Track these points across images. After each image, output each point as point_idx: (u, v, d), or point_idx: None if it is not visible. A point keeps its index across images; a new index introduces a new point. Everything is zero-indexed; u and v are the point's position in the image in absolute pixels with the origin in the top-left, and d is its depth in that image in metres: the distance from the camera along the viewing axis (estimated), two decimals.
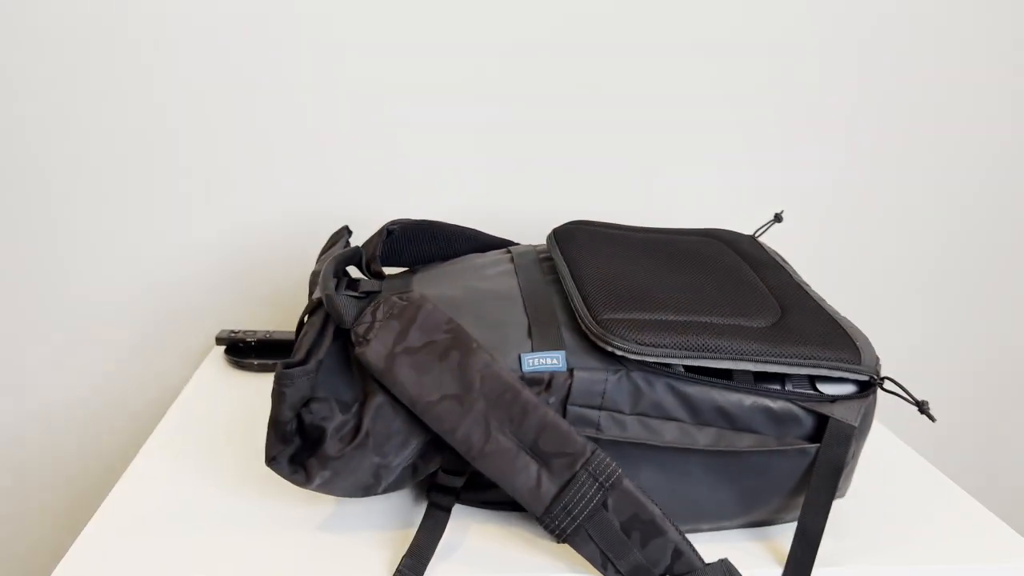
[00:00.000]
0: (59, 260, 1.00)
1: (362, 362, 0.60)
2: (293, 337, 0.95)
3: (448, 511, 0.62)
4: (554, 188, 1.03)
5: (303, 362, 0.60)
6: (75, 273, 1.01)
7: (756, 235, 0.84)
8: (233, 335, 0.98)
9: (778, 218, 0.85)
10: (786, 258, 1.06)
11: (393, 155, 1.01)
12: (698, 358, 0.60)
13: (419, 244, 0.81)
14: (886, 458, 0.79)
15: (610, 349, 0.60)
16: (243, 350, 0.97)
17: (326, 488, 0.61)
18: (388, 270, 0.91)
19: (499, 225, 1.04)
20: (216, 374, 0.93)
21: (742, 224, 1.07)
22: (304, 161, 1.00)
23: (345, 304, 0.63)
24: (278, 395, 0.58)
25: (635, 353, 0.59)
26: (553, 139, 1.02)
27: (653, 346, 0.59)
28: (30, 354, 1.03)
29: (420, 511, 0.66)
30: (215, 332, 1.05)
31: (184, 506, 0.66)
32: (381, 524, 0.65)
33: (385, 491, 0.63)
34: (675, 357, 0.60)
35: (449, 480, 0.63)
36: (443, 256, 0.82)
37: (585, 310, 0.63)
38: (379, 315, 0.62)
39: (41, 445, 1.07)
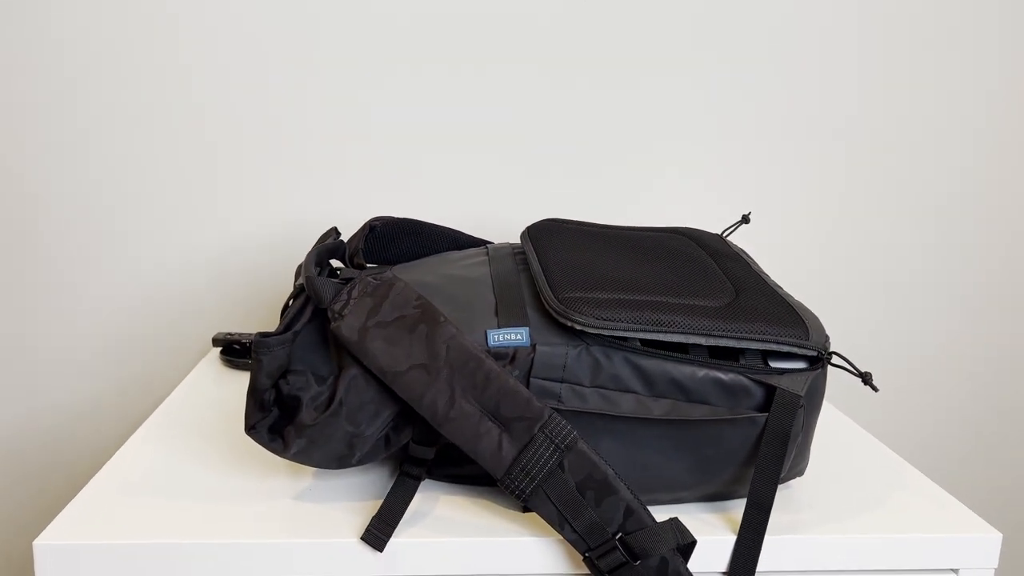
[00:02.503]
0: (59, 263, 1.06)
1: (337, 336, 0.64)
2: None
3: (418, 480, 0.65)
4: (535, 193, 1.08)
5: (280, 333, 0.64)
6: (75, 276, 1.06)
7: (724, 235, 0.88)
8: (228, 337, 1.02)
9: (746, 219, 0.89)
10: (756, 259, 1.10)
11: (385, 165, 1.06)
12: (652, 332, 0.63)
13: (401, 241, 0.85)
14: (844, 442, 0.81)
15: (570, 324, 0.63)
16: (238, 351, 1.01)
17: (303, 456, 0.64)
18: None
19: (486, 233, 1.08)
20: (211, 372, 0.97)
21: (716, 227, 1.11)
22: (298, 170, 1.05)
23: (324, 285, 0.67)
24: (256, 363, 0.62)
25: (594, 328, 0.63)
26: (534, 145, 1.07)
27: (610, 321, 0.63)
28: (30, 356, 1.08)
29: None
30: (211, 334, 1.09)
31: (170, 478, 0.70)
32: (355, 495, 0.68)
33: (359, 462, 0.66)
34: (631, 331, 0.63)
35: (420, 451, 0.66)
36: (424, 254, 0.87)
37: (548, 289, 0.67)
38: (354, 293, 0.67)
39: (40, 444, 1.11)
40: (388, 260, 0.86)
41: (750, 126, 1.09)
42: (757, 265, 0.79)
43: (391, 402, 0.64)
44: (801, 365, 0.66)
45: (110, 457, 1.12)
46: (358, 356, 0.64)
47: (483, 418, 0.62)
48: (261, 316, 1.10)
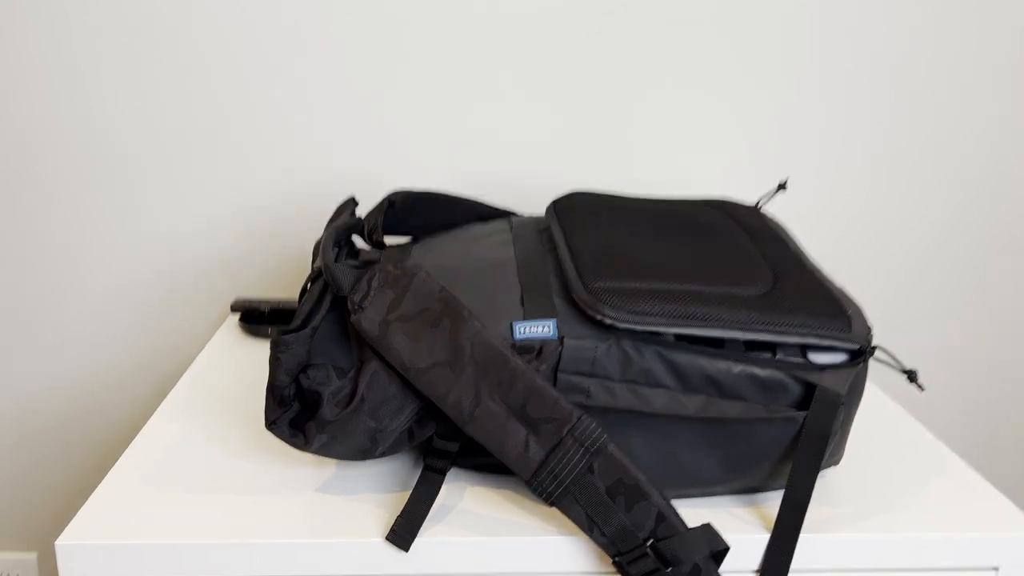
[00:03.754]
0: (77, 228, 1.03)
1: (357, 329, 0.62)
2: None
3: (443, 474, 0.64)
4: (561, 158, 1.04)
5: (299, 328, 0.62)
6: (93, 241, 1.04)
7: (759, 205, 0.84)
8: (248, 303, 1.00)
9: (782, 187, 0.85)
10: (791, 229, 1.06)
11: (405, 123, 1.02)
12: (687, 326, 0.60)
13: (421, 214, 0.82)
14: (883, 425, 0.79)
15: (600, 318, 0.61)
16: (257, 318, 0.99)
17: (325, 451, 0.63)
18: (392, 239, 0.92)
19: (505, 194, 1.04)
20: (230, 342, 0.95)
21: (749, 194, 1.07)
22: (316, 133, 1.01)
23: (343, 273, 0.65)
24: (275, 360, 0.60)
25: (624, 322, 0.60)
26: (562, 109, 1.02)
27: (642, 315, 0.60)
28: (49, 323, 1.07)
29: (418, 475, 0.68)
30: (230, 299, 1.07)
31: (192, 467, 0.69)
32: (379, 487, 0.67)
33: (383, 455, 0.65)
34: (664, 326, 0.60)
35: (444, 445, 0.64)
36: (445, 225, 0.84)
37: (577, 279, 0.64)
38: (374, 284, 0.64)
39: (61, 411, 1.11)
40: (408, 232, 0.83)
41: (790, 93, 1.03)
42: (795, 242, 0.76)
43: (414, 397, 0.62)
44: (842, 357, 0.63)
45: (125, 431, 1.12)
46: (379, 351, 0.61)
47: (509, 418, 0.60)
48: (280, 278, 1.07)
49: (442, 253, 0.72)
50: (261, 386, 0.84)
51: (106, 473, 1.13)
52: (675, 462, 0.63)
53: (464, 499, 0.66)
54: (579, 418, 0.58)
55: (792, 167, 1.06)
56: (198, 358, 0.90)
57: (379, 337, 0.61)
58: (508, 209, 0.88)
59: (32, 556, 1.19)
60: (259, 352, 0.93)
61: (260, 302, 1.01)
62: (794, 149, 1.06)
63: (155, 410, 1.10)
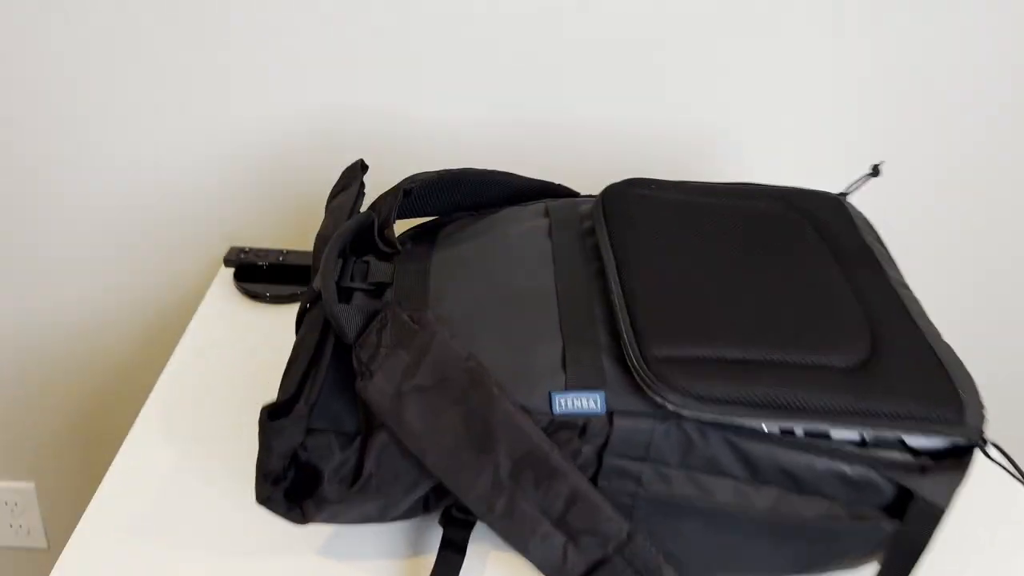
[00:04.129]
0: (58, 158, 0.90)
1: (364, 398, 0.52)
2: (309, 263, 0.86)
3: (463, 551, 0.55)
4: (608, 104, 0.88)
5: (294, 400, 0.51)
6: (55, 180, 0.91)
7: (846, 193, 0.71)
8: (244, 256, 0.89)
9: (876, 171, 0.71)
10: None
11: (423, 57, 0.86)
12: (766, 418, 0.50)
13: (441, 198, 0.70)
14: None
15: (660, 401, 0.50)
16: (255, 274, 0.88)
17: (326, 522, 0.55)
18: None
19: (542, 143, 0.90)
20: (224, 309, 0.84)
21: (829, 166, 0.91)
22: (328, 60, 0.85)
23: (347, 315, 0.54)
24: (265, 446, 0.50)
25: (692, 409, 0.50)
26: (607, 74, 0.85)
27: (713, 402, 0.49)
28: (28, 263, 0.96)
29: (433, 530, 0.60)
30: (222, 246, 0.94)
31: (174, 513, 0.60)
32: (389, 548, 0.59)
33: (393, 520, 0.56)
34: (738, 416, 0.50)
35: (465, 516, 0.56)
36: (470, 205, 0.71)
37: (633, 342, 0.52)
38: (385, 339, 0.53)
39: (57, 340, 1.03)
40: (427, 215, 0.71)
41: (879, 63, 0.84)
42: (893, 267, 0.63)
43: (429, 474, 0.53)
44: (944, 444, 0.52)
45: (122, 360, 1.03)
46: (391, 426, 0.51)
47: (544, 522, 0.50)
48: (280, 222, 0.95)
49: (467, 277, 0.60)
50: (257, 379, 0.74)
51: (100, 404, 1.07)
52: (734, 554, 0.54)
53: (487, 571, 0.57)
54: (630, 536, 0.49)
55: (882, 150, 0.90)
56: (187, 332, 0.80)
57: (390, 412, 0.51)
58: (540, 179, 0.75)
59: (30, 485, 1.15)
60: (257, 319, 0.82)
61: (258, 254, 0.89)
62: (883, 132, 0.89)
63: (146, 360, 1.03)
